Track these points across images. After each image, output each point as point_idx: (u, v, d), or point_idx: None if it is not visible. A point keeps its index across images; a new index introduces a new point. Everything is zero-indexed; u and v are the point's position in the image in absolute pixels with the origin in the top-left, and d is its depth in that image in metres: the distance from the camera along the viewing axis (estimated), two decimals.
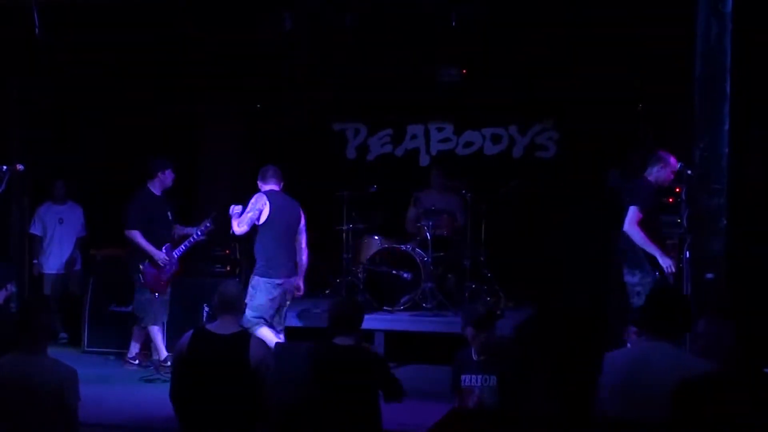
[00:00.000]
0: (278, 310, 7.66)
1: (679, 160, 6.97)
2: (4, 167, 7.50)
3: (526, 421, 2.67)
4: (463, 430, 2.59)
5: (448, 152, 10.50)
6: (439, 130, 10.56)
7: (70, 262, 9.65)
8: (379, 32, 8.98)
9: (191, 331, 5.04)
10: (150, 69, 9.59)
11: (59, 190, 9.65)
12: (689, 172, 6.33)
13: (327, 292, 9.06)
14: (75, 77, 9.57)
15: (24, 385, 4.37)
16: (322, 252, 9.62)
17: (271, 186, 7.78)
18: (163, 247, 8.24)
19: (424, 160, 10.56)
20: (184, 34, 9.15)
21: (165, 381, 7.17)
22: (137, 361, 8.40)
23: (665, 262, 6.81)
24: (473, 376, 5.04)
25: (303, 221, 7.84)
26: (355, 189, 9.21)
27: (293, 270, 7.73)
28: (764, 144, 8.30)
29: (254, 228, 7.66)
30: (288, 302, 7.79)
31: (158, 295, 8.27)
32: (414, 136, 10.64)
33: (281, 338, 7.54)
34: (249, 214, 7.59)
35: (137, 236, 8.15)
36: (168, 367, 7.63)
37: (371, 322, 7.67)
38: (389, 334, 8.27)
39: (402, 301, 8.74)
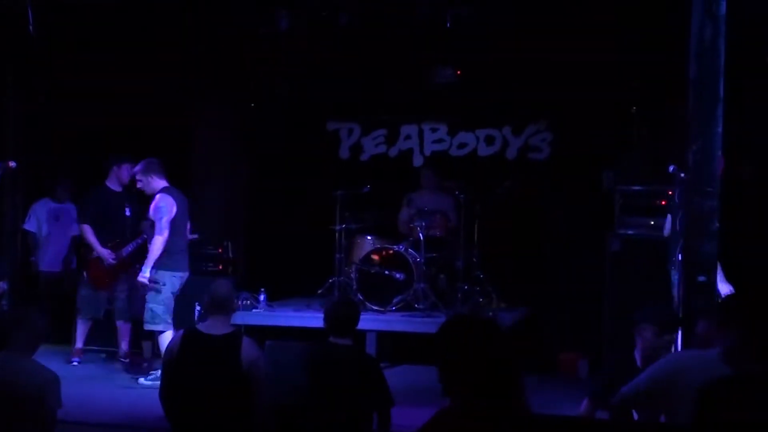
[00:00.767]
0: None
1: (672, 162, 6.97)
2: None
3: (516, 420, 2.66)
4: (452, 430, 2.58)
5: (441, 153, 10.48)
6: (433, 130, 10.55)
7: (66, 261, 9.64)
8: (374, 32, 8.98)
9: (182, 331, 5.03)
10: (143, 67, 9.55)
11: (63, 191, 9.64)
12: (682, 174, 6.32)
13: (319, 292, 9.04)
14: (68, 75, 9.53)
15: (5, 387, 4.29)
16: (314, 252, 9.64)
17: (163, 181, 7.89)
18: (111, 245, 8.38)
19: (417, 161, 10.54)
20: (177, 32, 9.13)
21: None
22: (128, 360, 8.41)
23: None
24: None
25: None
26: (348, 189, 9.19)
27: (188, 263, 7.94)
28: (757, 146, 8.30)
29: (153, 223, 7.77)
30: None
31: (98, 291, 8.43)
32: (408, 137, 10.63)
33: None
34: (165, 218, 7.70)
35: (86, 231, 8.41)
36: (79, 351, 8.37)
37: (363, 322, 7.53)
38: (381, 335, 8.26)
39: (394, 301, 8.74)
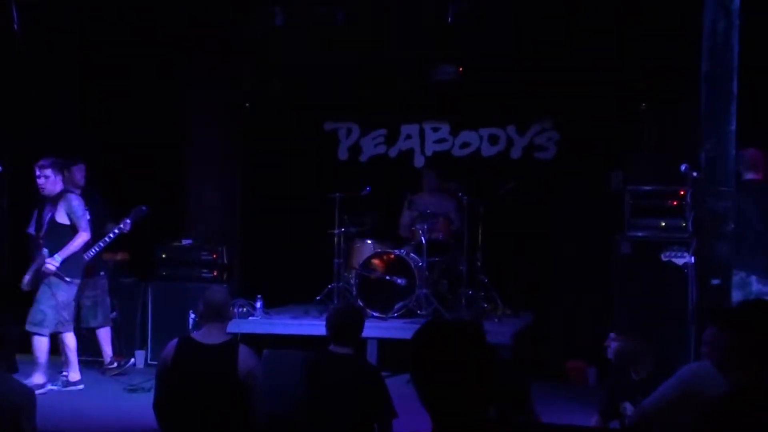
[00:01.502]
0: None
1: (683, 161, 6.95)
2: None
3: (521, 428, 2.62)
4: None
5: (443, 153, 10.46)
6: (435, 130, 10.53)
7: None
8: (373, 28, 8.95)
9: (176, 340, 4.98)
10: (136, 66, 9.53)
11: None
12: (695, 174, 6.30)
13: (318, 298, 9.02)
14: (55, 72, 9.50)
15: None
16: (312, 257, 9.61)
17: (61, 185, 7.92)
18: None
19: (418, 161, 10.52)
20: (171, 28, 9.11)
21: (148, 390, 7.17)
22: (114, 364, 8.40)
23: None
24: None
25: None
26: (347, 191, 9.16)
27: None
28: None
29: (57, 226, 7.76)
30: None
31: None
32: (408, 137, 10.60)
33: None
34: (86, 218, 7.81)
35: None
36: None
37: (364, 329, 7.61)
38: (382, 342, 8.23)
39: (396, 307, 8.70)
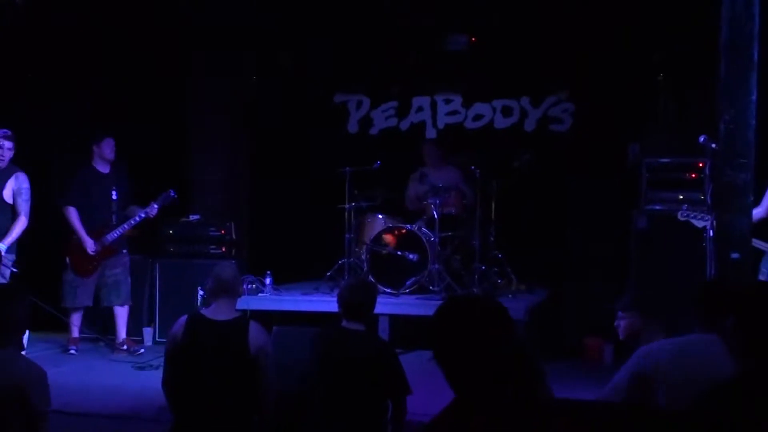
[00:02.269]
0: None
1: (701, 132, 6.94)
2: None
3: (540, 408, 2.66)
4: (470, 417, 2.57)
5: (456, 126, 10.46)
6: (447, 102, 10.53)
7: None
8: None
9: (185, 317, 5.01)
10: (139, 37, 9.55)
11: None
12: (713, 145, 6.30)
13: (328, 274, 9.06)
14: (53, 47, 9.52)
15: None
16: (322, 232, 9.65)
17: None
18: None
19: (430, 134, 10.52)
20: (172, 3, 9.13)
21: (157, 368, 7.24)
22: (125, 347, 8.48)
23: None
24: None
25: None
26: (357, 165, 9.14)
27: None
28: None
29: (5, 206, 7.64)
30: None
31: (82, 278, 8.40)
32: (420, 109, 10.61)
33: None
34: (30, 204, 7.72)
35: (71, 214, 8.36)
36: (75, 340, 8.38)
37: (375, 306, 7.66)
38: (394, 318, 8.27)
39: (408, 283, 8.74)
